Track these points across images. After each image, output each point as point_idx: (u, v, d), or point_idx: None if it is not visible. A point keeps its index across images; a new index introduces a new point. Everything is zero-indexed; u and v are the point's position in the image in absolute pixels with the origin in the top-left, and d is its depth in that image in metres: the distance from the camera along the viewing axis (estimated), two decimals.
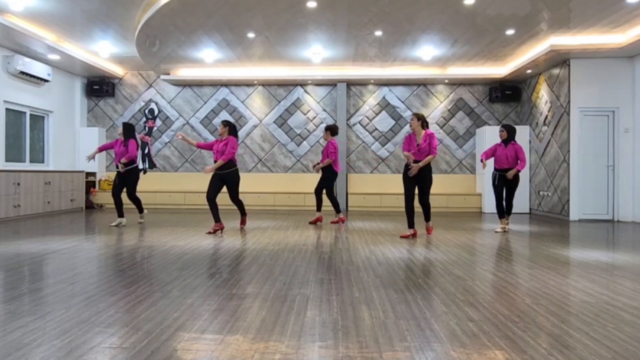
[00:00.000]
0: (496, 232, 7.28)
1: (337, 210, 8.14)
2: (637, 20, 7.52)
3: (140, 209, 7.97)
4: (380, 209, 11.07)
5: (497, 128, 10.99)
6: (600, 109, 9.26)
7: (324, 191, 8.07)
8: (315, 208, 8.35)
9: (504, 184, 7.23)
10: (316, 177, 8.29)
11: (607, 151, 9.25)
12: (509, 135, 7.25)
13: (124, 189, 7.65)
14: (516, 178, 7.14)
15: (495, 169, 7.29)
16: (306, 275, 4.07)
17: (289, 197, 11.30)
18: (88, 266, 4.52)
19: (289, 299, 3.28)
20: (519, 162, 7.08)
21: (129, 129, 7.71)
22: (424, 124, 6.44)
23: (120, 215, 7.68)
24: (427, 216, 6.72)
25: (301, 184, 11.52)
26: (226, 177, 6.85)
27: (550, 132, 10.00)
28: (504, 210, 7.33)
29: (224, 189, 6.93)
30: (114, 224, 7.67)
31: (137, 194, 7.84)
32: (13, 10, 7.38)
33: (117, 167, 7.55)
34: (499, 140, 7.41)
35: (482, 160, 7.36)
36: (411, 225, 6.48)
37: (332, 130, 8.05)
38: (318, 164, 8.07)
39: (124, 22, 8.13)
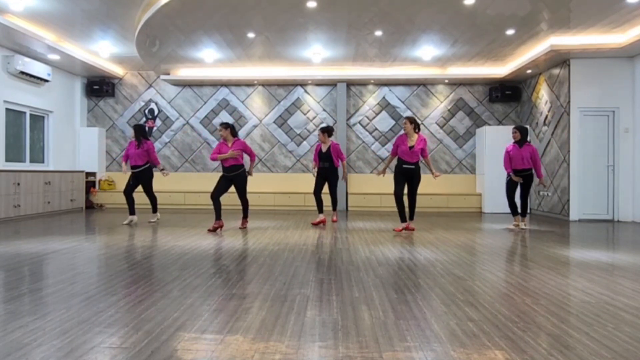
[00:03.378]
0: (510, 229, 7.56)
1: (320, 210, 8.08)
2: (637, 20, 7.52)
3: (155, 209, 8.20)
4: (380, 209, 11.06)
5: (498, 128, 11.08)
6: (600, 109, 9.26)
7: (316, 190, 8.08)
8: (331, 208, 8.35)
9: (518, 183, 7.56)
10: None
11: (607, 151, 9.25)
12: (522, 135, 7.46)
13: (137, 188, 7.92)
14: (530, 177, 7.48)
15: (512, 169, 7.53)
16: (306, 275, 4.07)
17: (289, 197, 11.30)
18: (88, 266, 4.52)
19: (289, 299, 3.28)
20: (534, 166, 7.42)
21: (141, 131, 7.92)
22: (416, 127, 6.92)
23: (132, 213, 7.90)
24: (413, 214, 7.15)
25: (301, 184, 11.52)
26: (235, 178, 7.08)
27: (550, 132, 10.00)
28: (517, 208, 7.66)
29: (231, 189, 7.18)
30: (125, 222, 7.84)
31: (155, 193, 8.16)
32: (13, 10, 7.38)
33: (133, 168, 7.82)
34: (507, 142, 7.66)
35: (510, 174, 7.59)
36: (404, 219, 7.02)
37: (329, 132, 8.06)
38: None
39: (124, 22, 8.13)
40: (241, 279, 3.92)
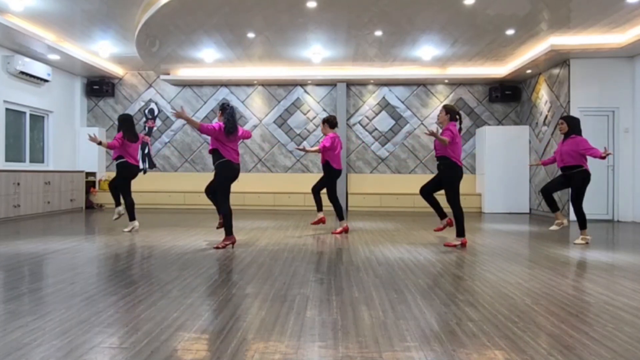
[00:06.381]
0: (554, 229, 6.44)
1: (340, 217, 7.03)
2: (637, 20, 7.52)
3: (117, 203, 7.08)
4: (380, 209, 11.06)
5: (497, 128, 11.08)
6: (600, 109, 9.25)
7: (326, 192, 7.00)
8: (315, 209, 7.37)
9: (566, 184, 6.30)
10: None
11: None
12: (570, 127, 6.15)
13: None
14: (577, 177, 6.12)
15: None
16: (306, 275, 4.07)
17: (289, 197, 11.29)
18: (88, 266, 4.52)
19: (289, 299, 3.28)
20: (588, 155, 6.02)
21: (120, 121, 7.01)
22: (453, 116, 5.82)
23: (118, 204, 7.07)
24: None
25: (301, 184, 11.50)
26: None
27: (550, 132, 9.99)
28: (554, 203, 6.30)
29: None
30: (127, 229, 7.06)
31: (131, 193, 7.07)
32: (13, 10, 7.37)
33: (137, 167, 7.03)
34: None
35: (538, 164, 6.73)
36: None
37: (329, 122, 6.98)
38: (304, 148, 7.08)
39: (124, 22, 8.13)
40: (241, 278, 3.91)
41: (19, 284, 3.70)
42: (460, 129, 5.87)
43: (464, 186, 11.63)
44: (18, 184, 8.67)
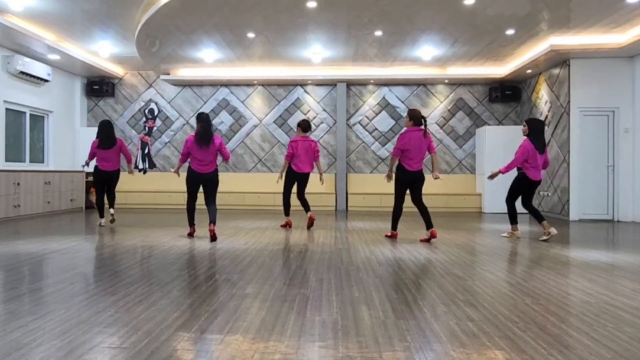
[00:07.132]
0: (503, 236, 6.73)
1: (286, 213, 7.60)
2: (637, 20, 7.52)
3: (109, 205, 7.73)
4: (380, 209, 11.06)
5: (497, 128, 11.08)
6: (600, 109, 9.26)
7: (282, 190, 7.58)
8: (304, 211, 7.65)
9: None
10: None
11: (607, 151, 9.25)
12: (530, 130, 6.39)
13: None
14: (517, 178, 6.65)
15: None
16: (306, 275, 4.07)
17: None
18: (88, 266, 4.52)
19: (289, 299, 3.28)
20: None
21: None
22: (417, 121, 6.05)
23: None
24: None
25: None
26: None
27: (550, 132, 9.99)
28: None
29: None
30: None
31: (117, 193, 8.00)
32: (13, 10, 7.37)
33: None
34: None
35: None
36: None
37: (300, 126, 7.47)
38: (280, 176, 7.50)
39: (124, 22, 8.13)
40: (241, 278, 3.91)
41: (19, 284, 3.70)
42: (425, 132, 6.09)
43: (464, 186, 11.72)
44: (18, 184, 8.67)
